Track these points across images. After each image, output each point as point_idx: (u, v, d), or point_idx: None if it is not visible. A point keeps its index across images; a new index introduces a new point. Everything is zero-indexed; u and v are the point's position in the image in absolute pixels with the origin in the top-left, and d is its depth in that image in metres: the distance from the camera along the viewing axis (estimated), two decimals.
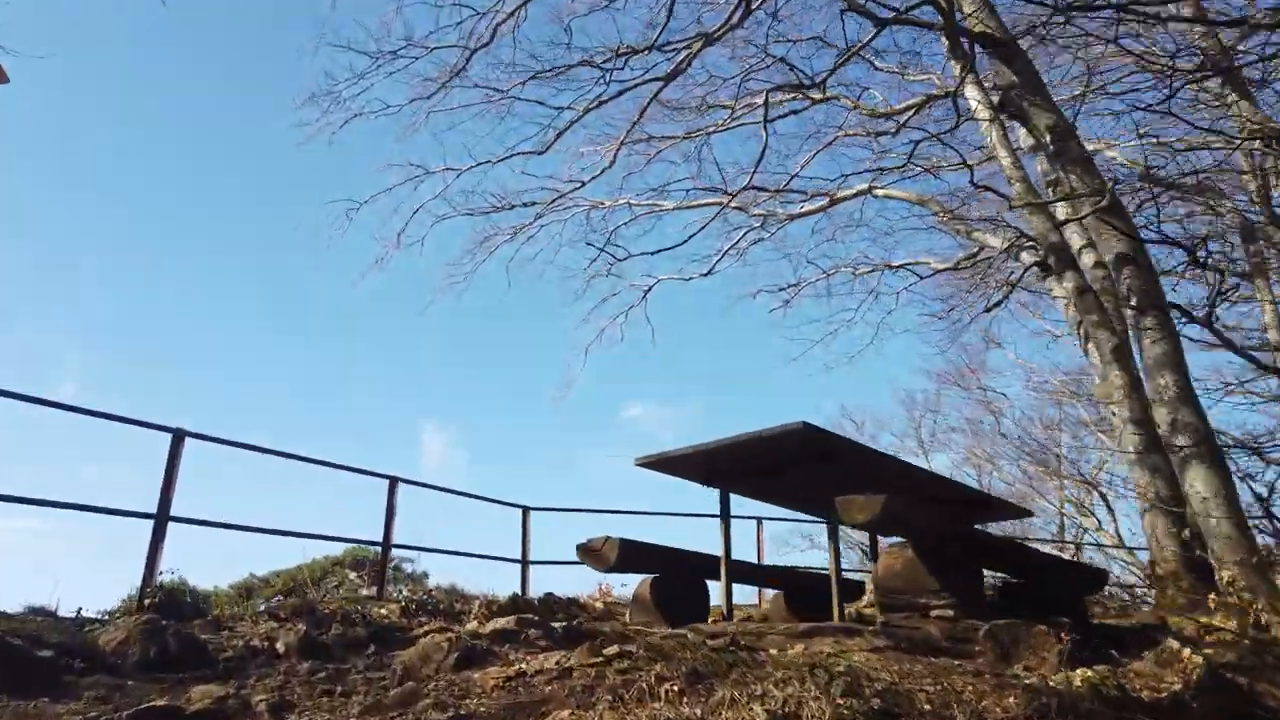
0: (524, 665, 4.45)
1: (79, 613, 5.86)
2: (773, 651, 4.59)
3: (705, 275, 16.57)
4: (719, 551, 6.68)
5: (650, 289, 16.64)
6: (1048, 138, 8.63)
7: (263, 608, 7.38)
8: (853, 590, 8.33)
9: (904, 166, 11.50)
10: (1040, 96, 8.68)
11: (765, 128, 10.58)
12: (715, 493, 6.68)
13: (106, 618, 6.02)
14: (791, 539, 28.55)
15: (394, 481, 8.74)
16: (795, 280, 16.69)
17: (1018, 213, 10.73)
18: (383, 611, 8.05)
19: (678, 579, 6.61)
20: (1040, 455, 21.52)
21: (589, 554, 6.36)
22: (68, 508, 6.36)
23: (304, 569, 14.58)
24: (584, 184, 12.92)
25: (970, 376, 22.21)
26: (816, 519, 9.09)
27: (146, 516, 6.55)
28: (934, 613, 5.36)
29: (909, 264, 15.06)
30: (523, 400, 48.58)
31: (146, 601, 6.15)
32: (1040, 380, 23.41)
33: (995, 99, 9.94)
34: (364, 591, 14.53)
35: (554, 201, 13.39)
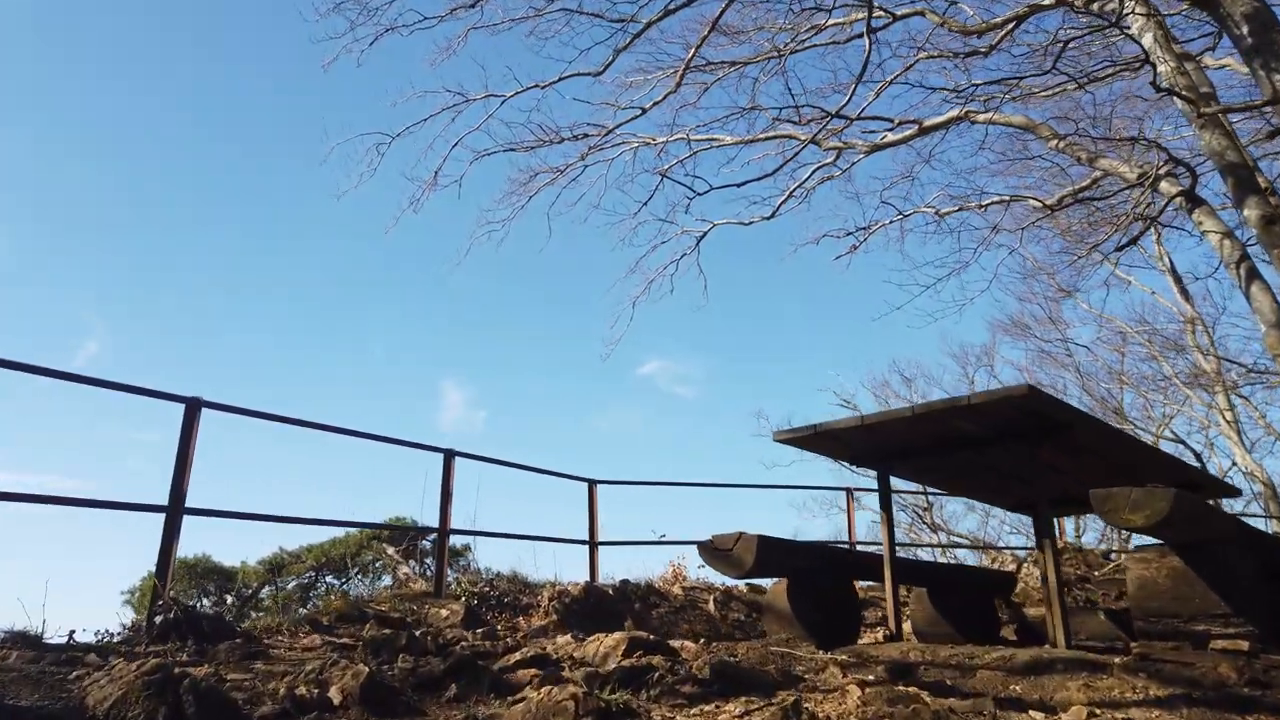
0: None
1: (70, 639, 4.55)
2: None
3: (768, 219, 15.03)
4: (840, 541, 5.32)
5: (705, 235, 15.08)
6: (1244, 28, 7.00)
7: (303, 614, 6.07)
8: (1002, 584, 6.95)
9: (1046, 74, 9.82)
10: None
11: (869, 35, 8.94)
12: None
13: (104, 641, 4.72)
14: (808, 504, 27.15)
15: (450, 455, 7.36)
16: (866, 223, 15.15)
17: (1165, 133, 9.08)
18: (444, 614, 6.75)
19: (822, 582, 5.24)
20: (1120, 411, 20.00)
21: (716, 555, 4.99)
22: (68, 504, 5.07)
23: (337, 544, 13.41)
24: (644, 111, 11.32)
25: (1049, 327, 20.63)
26: (981, 503, 7.65)
27: (156, 509, 5.23)
28: (1216, 644, 3.95)
29: (1003, 200, 13.47)
30: (541, 357, 47.30)
31: (157, 619, 4.84)
32: (1115, 331, 21.84)
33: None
34: (403, 569, 13.34)
35: (609, 132, 11.82)
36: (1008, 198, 13.89)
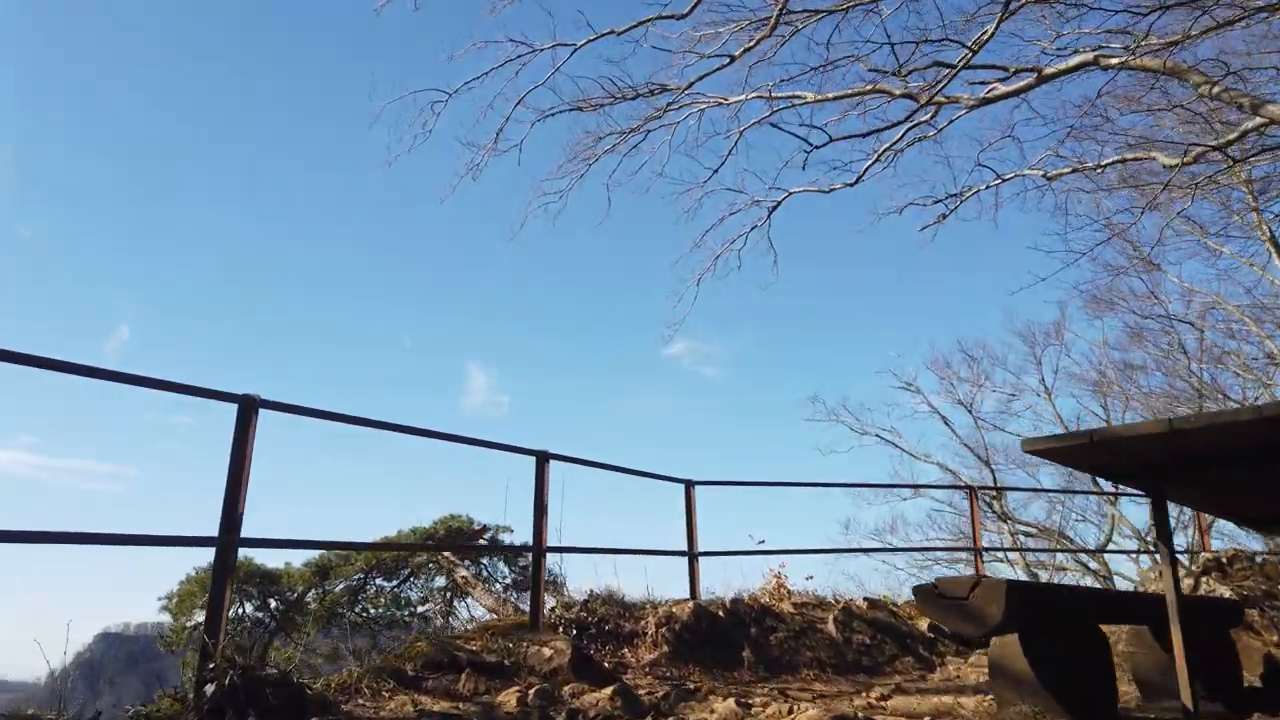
0: None
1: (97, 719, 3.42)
2: None
3: (851, 185, 13.73)
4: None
5: (778, 205, 13.86)
6: None
7: (382, 664, 4.91)
8: (1232, 614, 5.67)
9: None
10: None
11: None
12: None
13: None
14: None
15: (544, 458, 6.13)
16: (957, 189, 13.78)
17: None
18: (547, 653, 5.57)
19: (1067, 634, 3.99)
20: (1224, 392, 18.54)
21: (943, 605, 3.75)
22: (110, 542, 3.95)
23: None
24: (732, 59, 9.99)
25: (1140, 301, 19.14)
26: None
27: (207, 543, 4.07)
28: None
29: (1125, 160, 12.06)
30: (566, 338, 46.19)
31: (208, 688, 3.69)
32: (1208, 306, 20.29)
33: None
34: (461, 572, 12.26)
35: (689, 87, 10.53)
36: (1111, 160, 12.45)
